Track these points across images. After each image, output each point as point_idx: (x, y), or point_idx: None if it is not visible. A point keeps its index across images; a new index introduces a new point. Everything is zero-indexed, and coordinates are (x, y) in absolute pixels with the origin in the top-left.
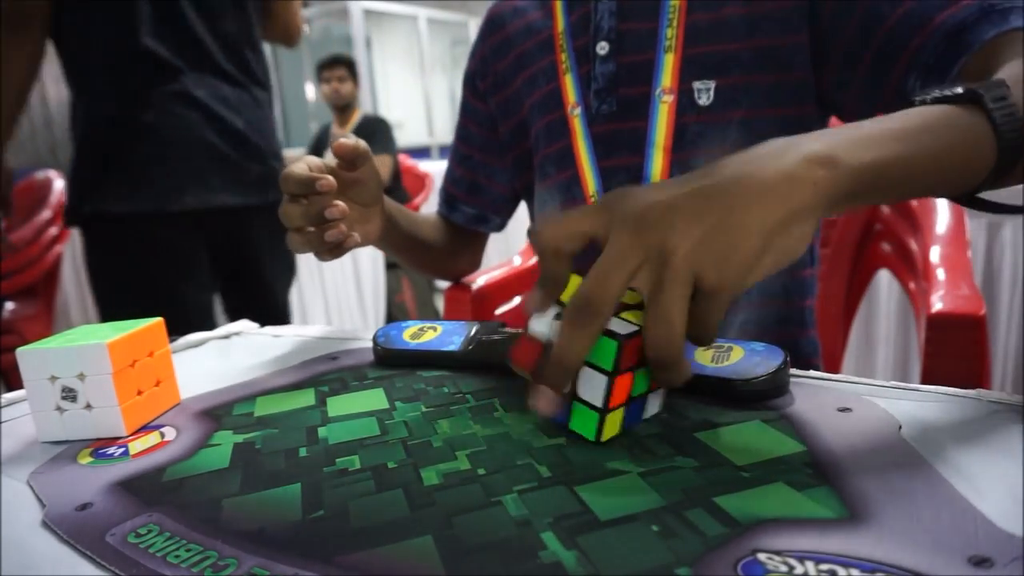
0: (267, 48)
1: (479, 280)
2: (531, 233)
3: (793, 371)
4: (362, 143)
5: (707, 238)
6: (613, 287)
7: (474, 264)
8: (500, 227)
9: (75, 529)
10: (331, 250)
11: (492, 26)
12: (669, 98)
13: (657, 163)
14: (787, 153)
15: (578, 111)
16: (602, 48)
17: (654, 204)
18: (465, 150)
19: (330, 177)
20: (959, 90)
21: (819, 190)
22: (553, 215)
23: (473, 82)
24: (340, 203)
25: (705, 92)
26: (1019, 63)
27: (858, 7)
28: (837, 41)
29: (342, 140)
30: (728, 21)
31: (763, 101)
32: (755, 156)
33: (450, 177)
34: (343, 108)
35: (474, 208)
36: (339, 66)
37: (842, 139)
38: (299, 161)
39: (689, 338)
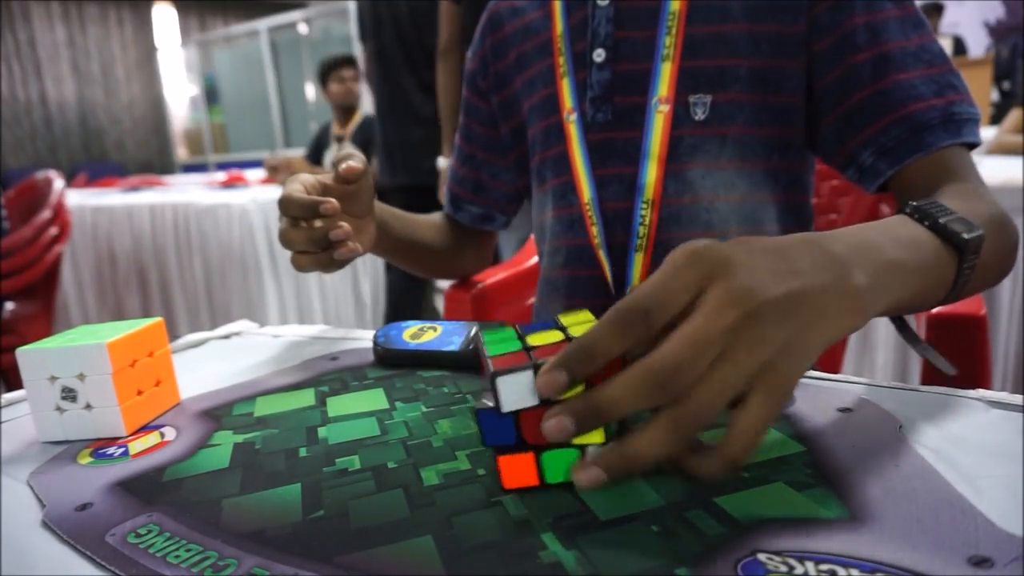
0: (266, 48)
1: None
2: (628, 314)
3: None
4: (361, 164)
5: (790, 344)
6: (701, 364)
7: (482, 263)
8: (506, 225)
9: (75, 529)
10: (338, 265)
11: (491, 26)
12: (665, 108)
13: (651, 173)
14: (842, 278)
15: (574, 117)
16: (599, 55)
17: (756, 291)
18: (469, 149)
19: (333, 200)
20: (953, 231)
21: (845, 331)
22: (641, 294)
23: (474, 81)
24: (344, 224)
25: (701, 106)
26: (960, 188)
27: (844, 61)
28: (818, 81)
29: (351, 164)
30: (729, 36)
31: (755, 120)
32: (823, 266)
33: (455, 177)
34: (348, 108)
35: (479, 207)
36: (349, 66)
37: (873, 274)
38: (293, 181)
39: (730, 447)
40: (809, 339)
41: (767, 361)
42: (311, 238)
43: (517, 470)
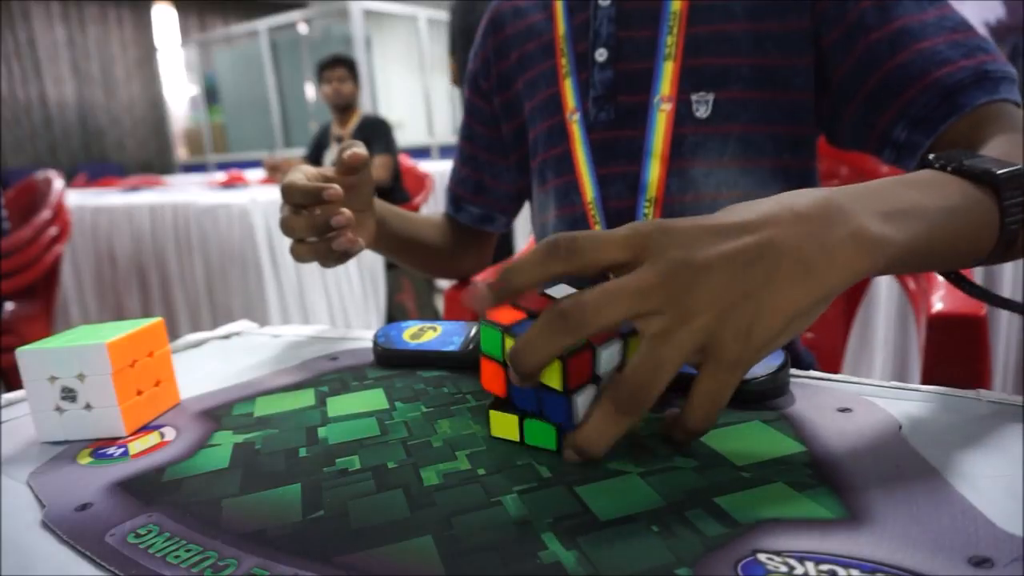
0: (266, 48)
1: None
2: (553, 241)
3: (793, 371)
4: (365, 151)
5: (738, 307)
6: (610, 314)
7: (483, 263)
8: (506, 226)
9: (75, 529)
10: (338, 257)
11: (493, 26)
12: (667, 106)
13: (654, 172)
14: (835, 226)
15: (577, 117)
16: (601, 55)
17: (690, 258)
18: (470, 150)
19: (336, 186)
20: (983, 168)
21: (853, 274)
22: (579, 233)
23: (476, 82)
24: (345, 210)
25: (704, 104)
26: (1009, 139)
27: (859, 44)
28: (834, 73)
29: (356, 150)
30: (731, 35)
31: (761, 117)
32: (802, 218)
33: (456, 177)
34: (343, 108)
35: (480, 208)
36: (339, 66)
37: (887, 218)
38: (294, 171)
39: (687, 420)
40: (768, 301)
41: (709, 329)
42: (312, 225)
43: (503, 425)
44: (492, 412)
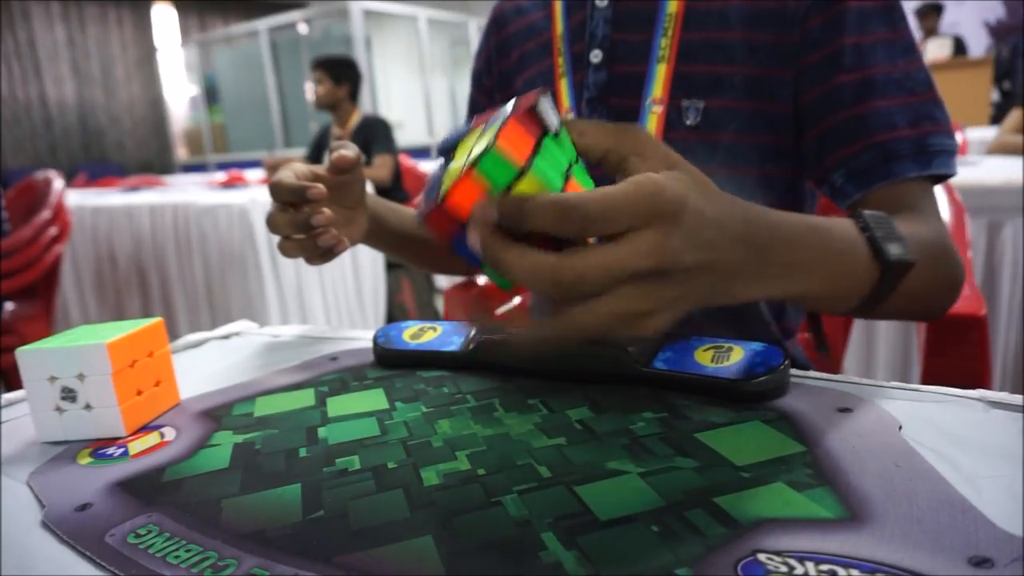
0: (266, 48)
1: (480, 280)
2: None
3: (793, 371)
4: (354, 153)
5: (666, 306)
6: (584, 293)
7: None
8: None
9: (75, 529)
10: (322, 255)
11: (495, 25)
12: (659, 108)
13: None
14: (752, 263)
15: (571, 118)
16: (595, 56)
17: (685, 261)
18: None
19: (320, 186)
20: (887, 249)
21: (732, 299)
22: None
23: (480, 80)
24: (326, 210)
25: (693, 111)
26: (922, 222)
27: (829, 80)
28: (803, 96)
29: (343, 152)
30: (724, 43)
31: (748, 127)
32: (748, 245)
33: None
34: (330, 109)
35: None
36: (316, 69)
37: (789, 268)
38: (285, 169)
39: (625, 328)
40: (730, 287)
41: (648, 309)
42: (295, 222)
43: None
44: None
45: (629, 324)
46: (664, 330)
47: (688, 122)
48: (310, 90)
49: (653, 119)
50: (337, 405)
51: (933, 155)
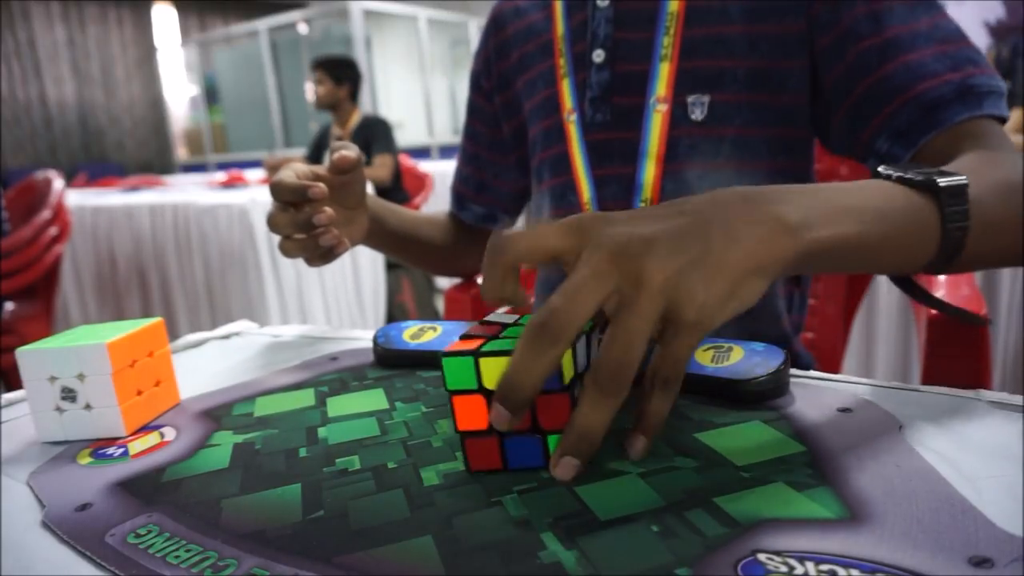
0: (266, 48)
1: (480, 280)
2: (491, 242)
3: (793, 371)
4: (355, 153)
5: (685, 271)
6: (582, 308)
7: None
8: (510, 225)
9: (75, 529)
10: (323, 255)
11: (494, 26)
12: (663, 107)
13: (649, 173)
14: (759, 209)
15: (574, 117)
16: (598, 56)
17: (633, 234)
18: (473, 149)
19: (321, 185)
20: (921, 177)
21: (778, 255)
22: (516, 230)
23: (478, 81)
24: (327, 209)
25: (699, 106)
26: (979, 155)
27: (849, 52)
28: (825, 78)
29: (344, 153)
30: (727, 37)
31: (756, 120)
32: (727, 203)
33: (459, 176)
34: (331, 109)
35: (483, 207)
36: (316, 69)
37: (810, 208)
38: (285, 169)
39: (655, 379)
40: (713, 260)
41: (666, 292)
42: (295, 222)
43: (482, 454)
44: (468, 441)
45: (685, 308)
46: (739, 300)
47: (694, 118)
48: (310, 90)
49: (658, 118)
50: (337, 405)
51: (983, 95)
